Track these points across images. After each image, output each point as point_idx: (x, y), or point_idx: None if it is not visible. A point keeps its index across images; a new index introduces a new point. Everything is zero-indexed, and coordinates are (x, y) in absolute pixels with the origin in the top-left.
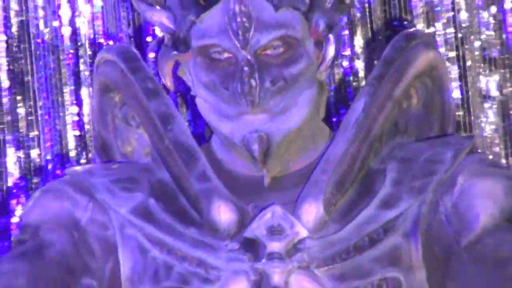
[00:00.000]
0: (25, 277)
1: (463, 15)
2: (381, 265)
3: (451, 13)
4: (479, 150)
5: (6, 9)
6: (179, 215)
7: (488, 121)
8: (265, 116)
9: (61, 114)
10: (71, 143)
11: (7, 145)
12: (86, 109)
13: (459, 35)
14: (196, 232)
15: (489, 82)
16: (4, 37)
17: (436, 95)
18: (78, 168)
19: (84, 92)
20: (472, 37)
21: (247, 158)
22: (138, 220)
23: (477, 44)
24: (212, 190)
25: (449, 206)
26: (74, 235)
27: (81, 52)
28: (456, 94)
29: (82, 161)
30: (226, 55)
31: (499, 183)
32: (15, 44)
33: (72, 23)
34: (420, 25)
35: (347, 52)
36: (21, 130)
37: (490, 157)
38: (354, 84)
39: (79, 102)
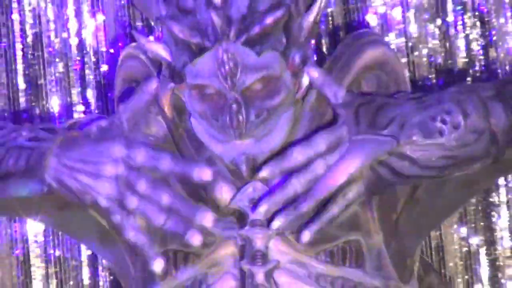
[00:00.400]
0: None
1: (413, 27)
2: (344, 230)
3: (402, 25)
4: None
5: (22, 22)
6: (188, 191)
7: None
8: (251, 141)
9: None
10: None
11: None
12: (91, 107)
13: (409, 44)
14: (202, 205)
15: (435, 84)
16: (21, 46)
17: (393, 86)
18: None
19: (89, 93)
20: (420, 45)
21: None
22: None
23: (424, 51)
24: (217, 173)
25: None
26: None
27: (86, 59)
28: None
29: None
30: (216, 91)
31: None
32: (30, 52)
33: (78, 34)
34: None
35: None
36: None
37: None
38: None
39: (85, 102)
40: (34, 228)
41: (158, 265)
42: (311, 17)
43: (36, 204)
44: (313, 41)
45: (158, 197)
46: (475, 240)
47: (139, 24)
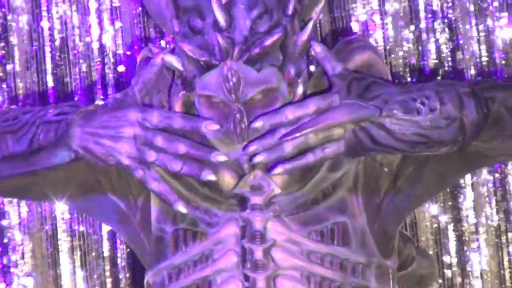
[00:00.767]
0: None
1: (390, 33)
2: (333, 213)
3: (381, 31)
4: None
5: (51, 28)
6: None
7: None
8: None
9: None
10: None
11: None
12: None
13: (387, 47)
14: (207, 191)
15: (409, 82)
16: (50, 49)
17: None
18: None
19: (109, 90)
20: (396, 48)
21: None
22: (168, 177)
23: (400, 53)
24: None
25: None
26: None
27: (106, 60)
28: None
29: None
30: (222, 101)
31: None
32: (57, 54)
33: (99, 39)
34: None
35: None
36: None
37: None
38: None
39: (105, 97)
40: (61, 207)
41: (181, 207)
42: (305, 36)
43: (63, 188)
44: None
45: (174, 148)
46: (444, 218)
47: (152, 30)
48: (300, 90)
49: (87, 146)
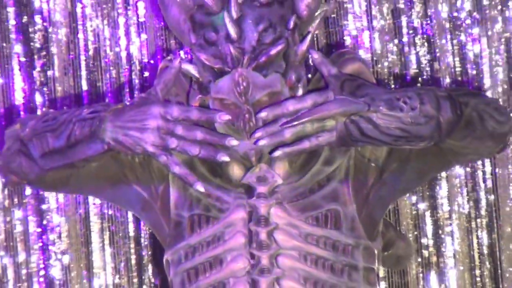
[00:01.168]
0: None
1: (377, 46)
2: (327, 201)
3: (369, 44)
4: None
5: (86, 40)
6: (210, 169)
7: None
8: None
9: None
10: None
11: None
12: None
13: (374, 58)
14: (219, 180)
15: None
16: (84, 58)
17: None
18: None
19: (135, 93)
20: (382, 59)
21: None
22: (183, 182)
23: (385, 64)
24: (230, 155)
25: None
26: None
27: (133, 67)
28: None
29: None
30: (233, 103)
31: None
32: (91, 62)
33: (127, 48)
34: None
35: None
36: None
37: None
38: None
39: (132, 99)
40: None
41: (200, 187)
42: (304, 46)
43: (95, 181)
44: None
45: (193, 135)
46: (422, 206)
47: (172, 42)
48: (300, 93)
49: (118, 138)
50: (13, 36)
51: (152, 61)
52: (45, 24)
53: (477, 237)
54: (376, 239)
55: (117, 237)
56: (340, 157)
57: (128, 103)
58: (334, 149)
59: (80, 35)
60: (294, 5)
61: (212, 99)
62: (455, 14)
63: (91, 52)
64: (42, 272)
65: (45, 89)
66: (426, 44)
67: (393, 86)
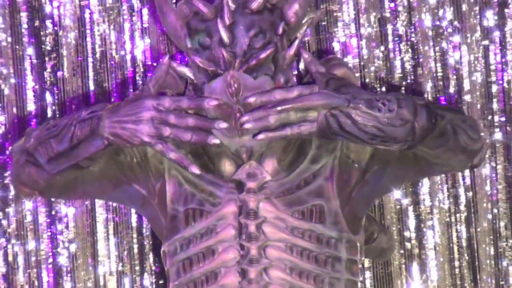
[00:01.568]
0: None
1: (364, 52)
2: (312, 197)
3: (357, 50)
4: None
5: (93, 43)
6: (203, 166)
7: None
8: (249, 137)
9: None
10: None
11: None
12: None
13: (362, 63)
14: (211, 176)
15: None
16: (92, 60)
17: None
18: None
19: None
20: (369, 64)
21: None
22: (180, 166)
23: (372, 69)
24: (222, 153)
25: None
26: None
27: (137, 69)
28: None
29: None
30: (225, 103)
31: None
32: (98, 64)
33: (132, 51)
34: None
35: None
36: None
37: None
38: None
39: None
40: None
41: (195, 169)
42: (292, 51)
43: (98, 183)
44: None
45: (185, 122)
46: (405, 201)
47: (173, 46)
48: None
49: (116, 132)
50: (25, 39)
51: (155, 64)
52: (55, 28)
53: (456, 231)
54: (359, 233)
55: (121, 228)
56: (326, 156)
57: (123, 100)
58: (321, 148)
59: (88, 39)
60: (283, 12)
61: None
62: (438, 23)
63: (98, 55)
64: (50, 260)
65: (54, 89)
66: (410, 50)
67: (379, 89)
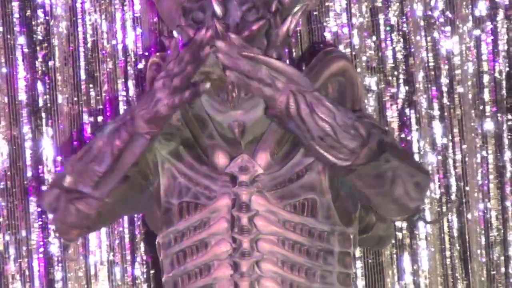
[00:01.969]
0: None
1: (356, 41)
2: (304, 190)
3: (348, 40)
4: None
5: (84, 33)
6: (197, 158)
7: (369, 105)
8: (241, 111)
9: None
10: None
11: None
12: (130, 93)
13: (353, 53)
14: (206, 169)
15: (371, 81)
16: (83, 49)
17: (348, 88)
18: None
19: (130, 83)
20: (361, 54)
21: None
22: (172, 159)
23: (364, 58)
24: (216, 145)
25: None
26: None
27: (128, 59)
28: None
29: None
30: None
31: None
32: (89, 54)
33: (123, 41)
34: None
35: None
36: (91, 105)
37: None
38: None
39: (126, 89)
40: None
41: (203, 85)
42: (284, 28)
43: (133, 196)
44: (286, 50)
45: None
46: None
47: (165, 35)
48: None
49: (149, 119)
50: (17, 28)
51: (146, 53)
52: (47, 17)
53: (448, 221)
54: (352, 225)
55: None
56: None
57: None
58: None
59: (80, 29)
60: None
61: (199, 74)
62: (429, 13)
63: (89, 45)
64: (41, 249)
65: (46, 78)
66: (402, 40)
67: (371, 79)
